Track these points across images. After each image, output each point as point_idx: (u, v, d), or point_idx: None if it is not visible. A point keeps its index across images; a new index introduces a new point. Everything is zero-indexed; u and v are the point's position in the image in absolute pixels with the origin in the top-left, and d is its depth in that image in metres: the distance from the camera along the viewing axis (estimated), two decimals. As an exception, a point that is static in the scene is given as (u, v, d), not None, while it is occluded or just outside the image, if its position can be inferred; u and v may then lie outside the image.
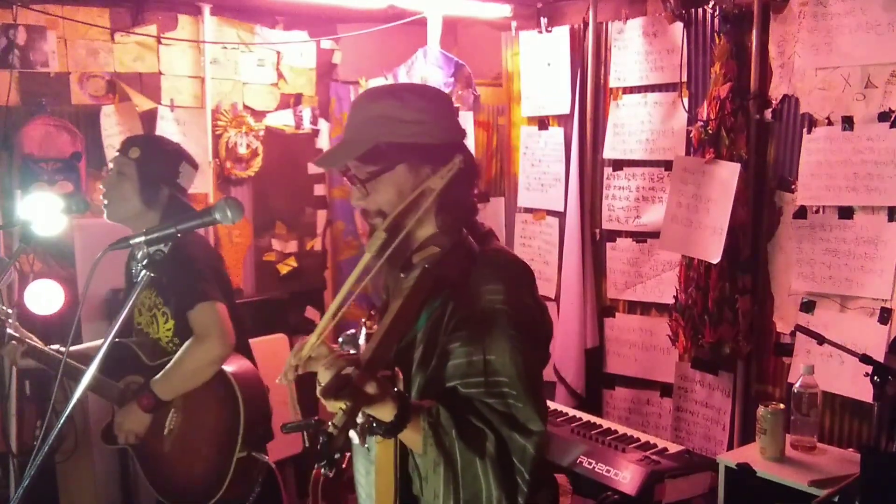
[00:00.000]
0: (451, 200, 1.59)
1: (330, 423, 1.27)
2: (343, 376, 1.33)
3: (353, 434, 1.30)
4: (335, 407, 1.29)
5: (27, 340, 2.60)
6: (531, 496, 1.48)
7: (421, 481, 1.50)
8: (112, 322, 2.58)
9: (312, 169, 4.11)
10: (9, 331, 2.59)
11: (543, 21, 3.85)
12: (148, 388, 2.46)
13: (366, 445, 1.53)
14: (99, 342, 2.78)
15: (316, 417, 1.38)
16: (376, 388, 1.33)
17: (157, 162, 2.55)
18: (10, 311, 2.65)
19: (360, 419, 1.31)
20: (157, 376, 2.46)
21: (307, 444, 1.29)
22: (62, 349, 2.65)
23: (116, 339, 2.57)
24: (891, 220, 2.80)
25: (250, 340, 2.76)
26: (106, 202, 2.55)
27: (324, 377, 1.38)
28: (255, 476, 2.51)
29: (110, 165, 2.60)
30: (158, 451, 2.54)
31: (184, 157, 2.63)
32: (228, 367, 2.48)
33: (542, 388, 1.53)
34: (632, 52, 3.54)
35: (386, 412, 1.36)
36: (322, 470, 1.27)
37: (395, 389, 1.38)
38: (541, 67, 3.90)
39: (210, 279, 2.47)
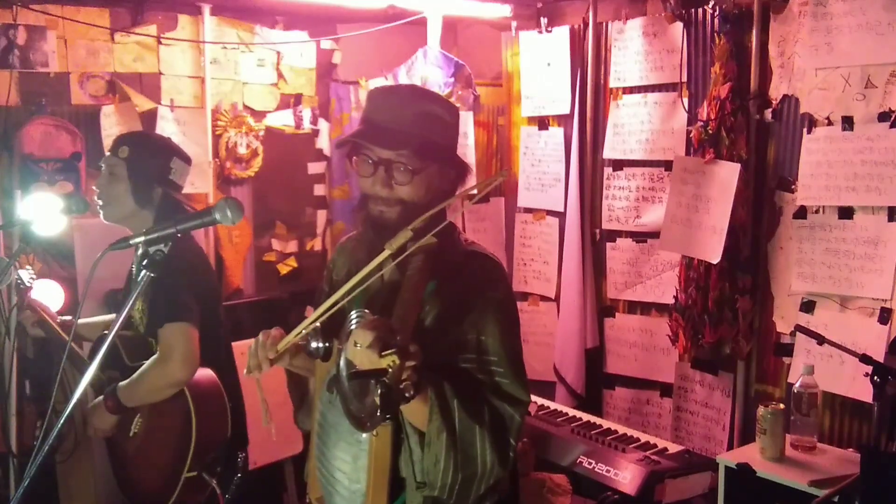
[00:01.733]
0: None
1: (386, 377, 1.33)
2: (391, 334, 1.40)
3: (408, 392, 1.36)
4: (379, 363, 1.35)
5: (41, 311, 2.66)
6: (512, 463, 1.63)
7: (422, 449, 1.58)
8: (115, 318, 2.60)
9: (312, 169, 4.11)
10: (30, 297, 2.63)
11: (543, 21, 3.85)
12: (114, 391, 2.43)
13: (374, 434, 1.60)
14: (102, 318, 2.81)
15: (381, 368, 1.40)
16: (416, 347, 1.41)
17: (147, 160, 2.52)
18: (32, 277, 2.66)
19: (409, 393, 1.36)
20: (124, 382, 2.42)
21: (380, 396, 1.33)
22: (70, 322, 2.69)
23: (104, 332, 2.60)
24: (891, 220, 2.79)
25: (249, 340, 2.74)
26: (100, 203, 2.54)
27: (365, 337, 1.41)
28: (201, 498, 2.46)
29: (102, 164, 2.57)
30: (124, 450, 2.54)
31: (175, 152, 2.59)
32: (191, 383, 2.41)
33: (524, 366, 1.69)
34: (632, 52, 3.54)
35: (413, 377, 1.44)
36: (378, 421, 1.37)
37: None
38: (541, 67, 3.90)
39: (187, 297, 2.41)
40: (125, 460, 2.55)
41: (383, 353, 1.36)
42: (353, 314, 1.62)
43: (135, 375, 2.40)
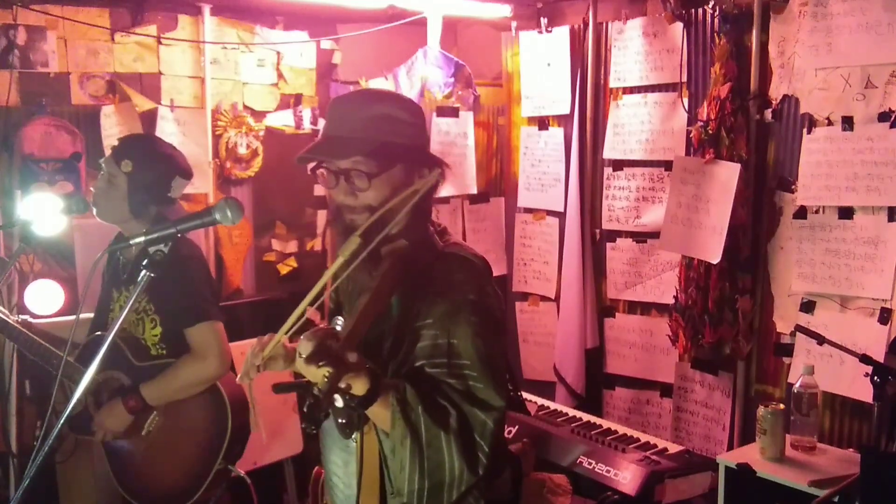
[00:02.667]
0: (422, 201, 1.67)
1: (315, 388, 1.36)
2: (326, 344, 1.44)
3: (338, 403, 1.38)
4: (317, 374, 1.40)
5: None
6: (492, 470, 1.60)
7: (388, 456, 1.59)
8: (115, 319, 2.60)
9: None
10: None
11: (543, 21, 3.85)
12: (136, 390, 2.46)
13: (353, 438, 1.62)
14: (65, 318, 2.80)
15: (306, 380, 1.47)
16: (356, 357, 1.43)
17: (149, 178, 2.50)
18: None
19: (339, 403, 1.38)
20: (149, 382, 2.46)
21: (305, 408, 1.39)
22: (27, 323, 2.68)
23: (98, 333, 2.60)
24: (891, 220, 2.79)
25: (250, 340, 2.76)
26: (95, 204, 2.54)
27: (305, 348, 1.45)
28: (221, 487, 2.57)
29: (102, 165, 2.56)
30: (132, 450, 2.55)
31: (177, 171, 2.56)
32: (224, 378, 2.51)
33: (503, 371, 1.66)
34: (632, 52, 3.54)
35: (360, 385, 1.45)
36: (307, 430, 1.38)
37: (368, 365, 1.48)
38: (541, 68, 3.90)
39: (209, 297, 2.52)
40: (133, 460, 2.55)
41: (319, 364, 1.39)
42: (331, 323, 1.66)
43: (164, 375, 2.46)
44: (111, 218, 2.55)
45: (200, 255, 2.64)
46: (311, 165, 1.71)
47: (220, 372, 2.45)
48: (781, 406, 2.74)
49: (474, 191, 4.09)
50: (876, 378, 2.31)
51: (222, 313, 2.55)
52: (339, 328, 1.64)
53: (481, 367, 1.59)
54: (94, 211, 2.55)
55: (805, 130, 2.98)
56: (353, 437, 1.62)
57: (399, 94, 1.83)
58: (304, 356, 1.43)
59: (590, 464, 2.93)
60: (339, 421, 1.54)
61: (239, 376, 1.66)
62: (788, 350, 3.07)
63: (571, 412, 3.44)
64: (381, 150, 1.61)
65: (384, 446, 1.61)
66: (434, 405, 1.55)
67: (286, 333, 1.59)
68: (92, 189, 2.57)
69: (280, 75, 3.91)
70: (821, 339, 2.51)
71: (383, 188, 1.63)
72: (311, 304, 1.55)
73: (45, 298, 3.06)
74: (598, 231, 3.74)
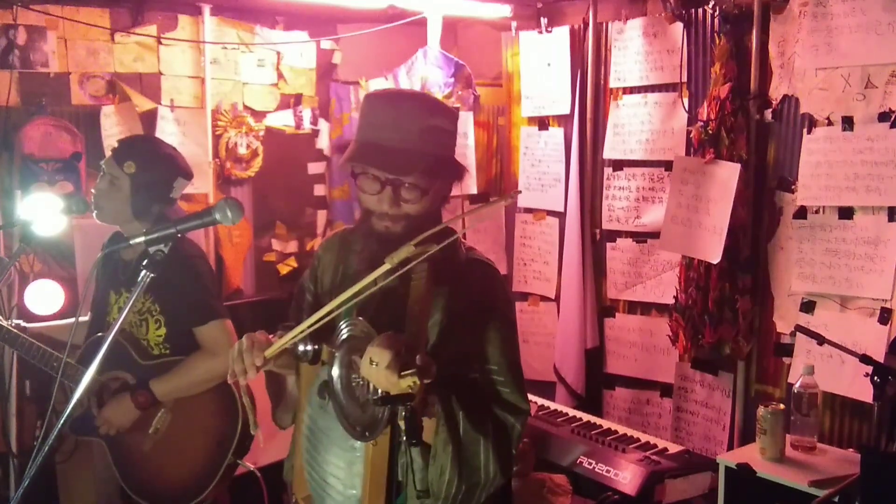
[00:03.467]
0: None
1: (409, 401, 1.33)
2: (409, 352, 1.37)
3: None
4: (399, 384, 1.33)
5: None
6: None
7: (423, 459, 1.59)
8: (108, 320, 2.60)
9: (312, 169, 4.11)
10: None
11: (543, 21, 3.85)
12: (146, 387, 2.49)
13: (374, 443, 1.57)
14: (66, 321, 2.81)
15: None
16: (433, 366, 1.38)
17: (152, 180, 2.52)
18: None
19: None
20: (159, 378, 2.50)
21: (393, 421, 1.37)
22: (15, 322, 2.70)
23: (99, 334, 2.61)
24: (891, 220, 2.79)
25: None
26: (95, 205, 2.55)
27: (384, 356, 1.37)
28: (223, 487, 2.61)
29: (104, 167, 2.56)
30: (137, 447, 2.56)
31: (179, 172, 2.58)
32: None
33: (523, 376, 1.71)
34: (632, 52, 3.54)
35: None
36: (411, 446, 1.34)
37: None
38: (541, 68, 3.90)
39: (216, 295, 2.59)
40: (139, 457, 2.57)
41: (402, 374, 1.33)
42: (343, 323, 1.60)
43: (175, 371, 2.50)
44: (112, 219, 2.56)
45: (203, 255, 2.67)
46: (352, 169, 1.68)
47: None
48: (781, 406, 2.74)
49: (474, 191, 4.09)
50: (876, 378, 2.32)
51: (227, 311, 2.58)
52: (344, 330, 1.61)
53: (509, 372, 1.65)
54: (95, 214, 2.55)
55: (805, 130, 2.98)
56: (375, 440, 1.58)
57: (443, 102, 1.84)
58: (382, 364, 1.36)
59: (590, 464, 2.93)
60: (357, 429, 1.51)
61: (229, 374, 1.62)
62: (788, 350, 3.07)
63: (571, 412, 3.44)
64: (436, 165, 1.64)
65: (412, 450, 1.55)
66: (473, 411, 1.58)
67: (301, 334, 1.54)
68: (93, 191, 2.57)
69: (280, 75, 3.92)
70: (821, 340, 2.51)
71: (428, 201, 1.66)
72: (341, 306, 1.50)
73: (45, 299, 3.06)
74: (598, 231, 3.74)
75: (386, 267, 1.48)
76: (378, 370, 1.36)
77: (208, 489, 2.52)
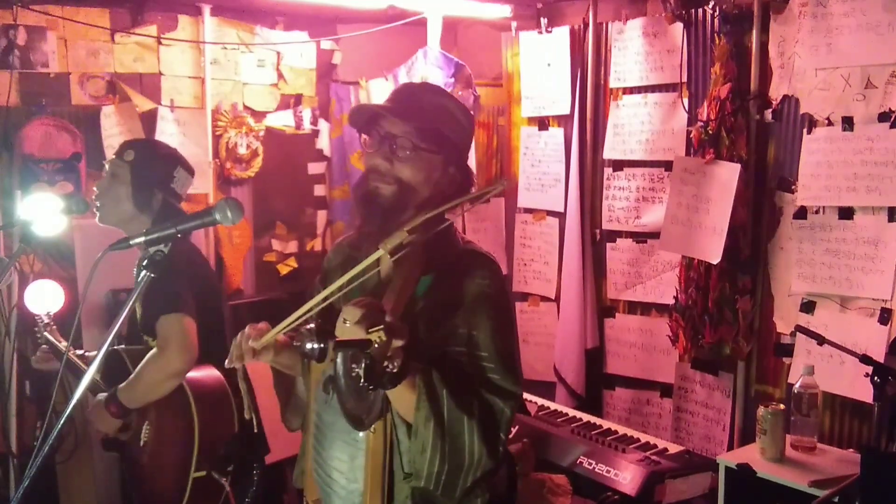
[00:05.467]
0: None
1: (371, 348, 1.36)
2: (375, 310, 1.43)
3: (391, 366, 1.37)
4: (368, 337, 1.37)
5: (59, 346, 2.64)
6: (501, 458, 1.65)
7: (403, 439, 1.62)
8: (114, 321, 2.59)
9: (312, 169, 4.11)
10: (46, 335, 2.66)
11: (543, 21, 3.85)
12: (115, 394, 2.41)
13: (371, 430, 1.62)
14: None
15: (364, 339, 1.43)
16: (404, 329, 1.43)
17: (151, 165, 2.52)
18: (48, 314, 2.71)
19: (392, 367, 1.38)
20: (123, 384, 2.40)
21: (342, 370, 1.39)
22: (80, 353, 2.66)
23: (113, 348, 2.58)
24: (891, 220, 2.79)
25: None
26: (98, 205, 2.53)
27: (354, 313, 1.43)
28: (216, 499, 2.43)
29: (106, 167, 2.57)
30: (138, 460, 2.52)
31: (180, 162, 2.59)
32: (191, 379, 2.40)
33: (518, 363, 1.71)
34: (632, 52, 3.54)
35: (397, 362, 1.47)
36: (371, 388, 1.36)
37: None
38: (541, 68, 3.90)
39: (181, 290, 2.40)
40: (139, 470, 2.53)
41: (371, 329, 1.39)
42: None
43: (133, 374, 2.39)
44: (114, 217, 2.53)
45: (191, 251, 2.60)
46: (358, 127, 1.76)
47: (180, 366, 2.33)
48: (781, 406, 2.74)
49: (474, 191, 4.08)
50: (876, 378, 2.32)
51: (204, 306, 2.45)
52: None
53: (500, 359, 1.64)
54: (97, 216, 2.54)
55: (805, 130, 2.98)
56: (371, 428, 1.63)
57: (459, 100, 1.91)
58: (352, 321, 1.42)
59: (590, 464, 2.93)
60: (360, 415, 1.53)
61: (228, 360, 1.65)
62: (788, 350, 3.07)
63: (571, 412, 3.44)
64: (435, 133, 1.69)
65: (398, 431, 1.63)
66: (458, 390, 1.58)
67: (295, 322, 1.58)
68: (95, 189, 2.56)
69: (280, 75, 3.92)
70: (821, 340, 2.52)
71: (420, 168, 1.69)
72: (340, 289, 1.56)
73: (45, 298, 3.06)
74: (598, 231, 3.74)
75: (379, 253, 1.54)
76: (349, 327, 1.43)
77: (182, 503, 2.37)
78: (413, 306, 1.64)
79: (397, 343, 1.41)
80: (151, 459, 2.47)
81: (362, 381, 1.33)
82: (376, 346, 1.36)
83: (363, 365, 1.33)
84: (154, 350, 2.36)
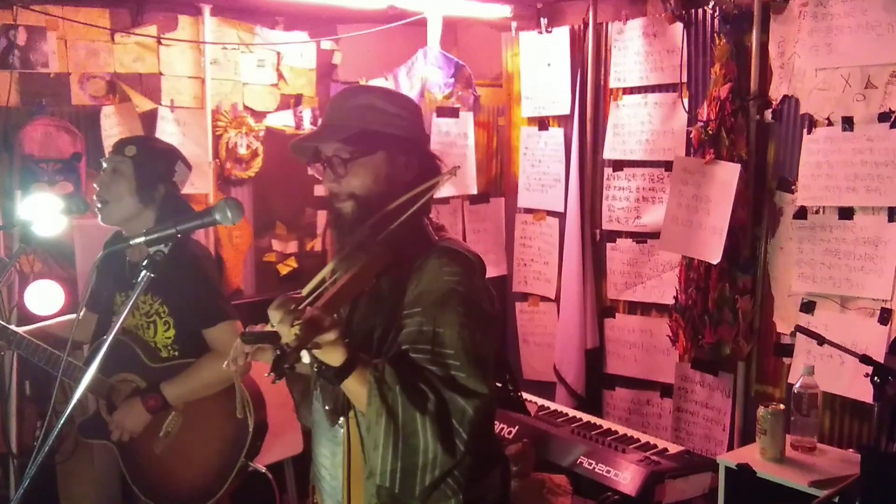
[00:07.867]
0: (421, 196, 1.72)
1: (283, 344, 1.42)
2: (291, 308, 1.48)
3: (305, 359, 1.42)
4: (290, 335, 1.44)
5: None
6: (479, 467, 1.64)
7: (363, 435, 1.62)
8: (113, 321, 2.59)
9: (313, 169, 4.11)
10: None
11: (543, 21, 3.85)
12: (156, 390, 2.47)
13: (339, 424, 1.67)
14: (49, 322, 2.78)
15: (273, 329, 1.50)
16: (331, 320, 1.46)
17: (154, 159, 2.53)
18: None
19: (306, 359, 1.42)
20: (170, 381, 2.47)
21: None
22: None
23: (107, 337, 2.59)
24: (891, 220, 2.80)
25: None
26: (100, 204, 2.51)
27: (275, 316, 1.49)
28: (233, 490, 2.59)
29: (104, 165, 2.56)
30: (148, 451, 2.55)
31: (179, 156, 2.61)
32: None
33: (488, 362, 1.65)
34: (632, 52, 3.54)
35: (336, 357, 1.51)
36: (270, 376, 1.38)
37: (346, 340, 1.52)
38: (541, 68, 3.90)
39: (225, 296, 2.57)
40: (150, 461, 2.56)
41: (294, 324, 1.43)
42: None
43: (186, 373, 2.48)
44: (118, 215, 2.52)
45: (209, 255, 2.67)
46: (307, 160, 1.79)
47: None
48: (781, 406, 2.74)
49: (474, 191, 4.09)
50: (876, 378, 2.31)
51: (236, 312, 2.57)
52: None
53: (465, 357, 1.59)
54: (100, 215, 2.52)
55: (805, 131, 2.98)
56: (339, 423, 1.66)
57: (390, 89, 1.90)
58: (276, 322, 1.47)
59: (590, 464, 2.93)
60: (325, 407, 1.60)
61: (226, 361, 1.66)
62: (788, 350, 3.08)
63: (571, 412, 3.44)
64: (360, 136, 1.67)
65: (361, 428, 1.63)
66: (412, 387, 1.55)
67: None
68: (96, 186, 2.54)
69: (280, 76, 3.91)
70: (821, 340, 2.51)
71: (363, 174, 1.68)
72: (309, 294, 1.59)
73: (45, 298, 3.06)
74: (598, 231, 3.74)
75: (331, 266, 1.60)
76: (277, 328, 1.47)
77: (221, 491, 2.51)
78: (379, 310, 1.66)
79: (327, 337, 1.45)
80: (175, 449, 2.53)
81: (269, 372, 1.37)
82: (296, 339, 1.39)
83: (273, 356, 1.38)
84: (211, 355, 2.47)
